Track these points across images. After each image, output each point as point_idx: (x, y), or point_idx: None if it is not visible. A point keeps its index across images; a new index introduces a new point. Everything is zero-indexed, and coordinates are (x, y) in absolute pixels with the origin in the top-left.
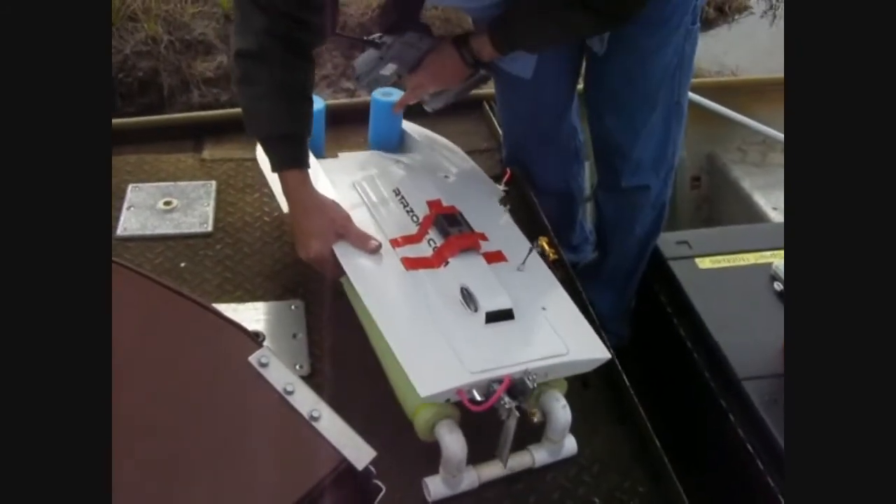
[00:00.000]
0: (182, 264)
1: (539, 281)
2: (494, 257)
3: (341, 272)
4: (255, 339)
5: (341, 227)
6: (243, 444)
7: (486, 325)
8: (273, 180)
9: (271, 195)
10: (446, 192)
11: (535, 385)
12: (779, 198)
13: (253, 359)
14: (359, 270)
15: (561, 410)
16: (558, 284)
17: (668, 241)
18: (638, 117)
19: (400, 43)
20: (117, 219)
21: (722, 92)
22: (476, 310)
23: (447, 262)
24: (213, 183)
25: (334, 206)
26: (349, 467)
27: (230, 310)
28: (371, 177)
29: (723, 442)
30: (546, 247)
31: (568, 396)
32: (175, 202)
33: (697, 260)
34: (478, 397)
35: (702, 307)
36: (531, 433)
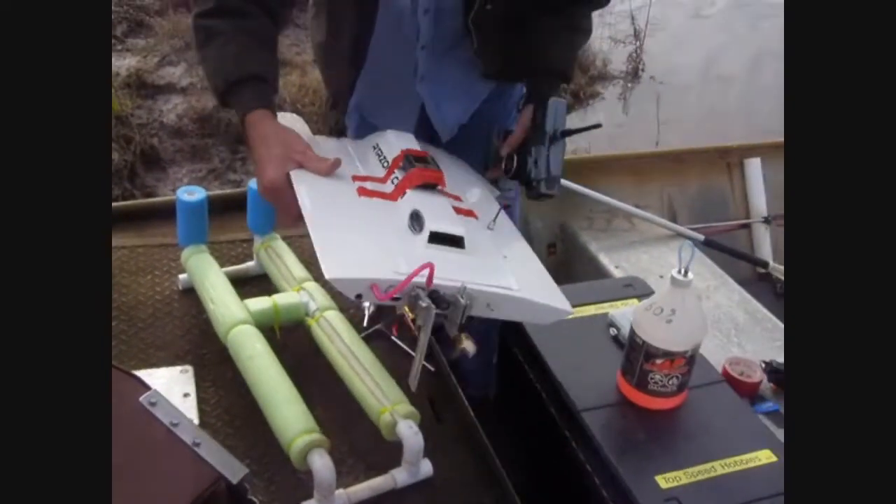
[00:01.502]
0: None
1: (509, 240)
2: (463, 212)
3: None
4: (145, 384)
5: (299, 152)
6: (136, 468)
7: (429, 246)
8: None
9: (162, 276)
10: (433, 154)
11: (467, 303)
12: (620, 257)
13: (143, 399)
14: (309, 189)
15: (414, 437)
16: (529, 247)
17: None
18: None
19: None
20: None
21: (573, 169)
22: (420, 230)
23: (404, 194)
24: None
25: (295, 135)
26: (226, 483)
27: None
28: (353, 139)
29: (565, 464)
30: (406, 308)
31: (423, 426)
32: None
33: None
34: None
35: (547, 353)
36: (392, 460)
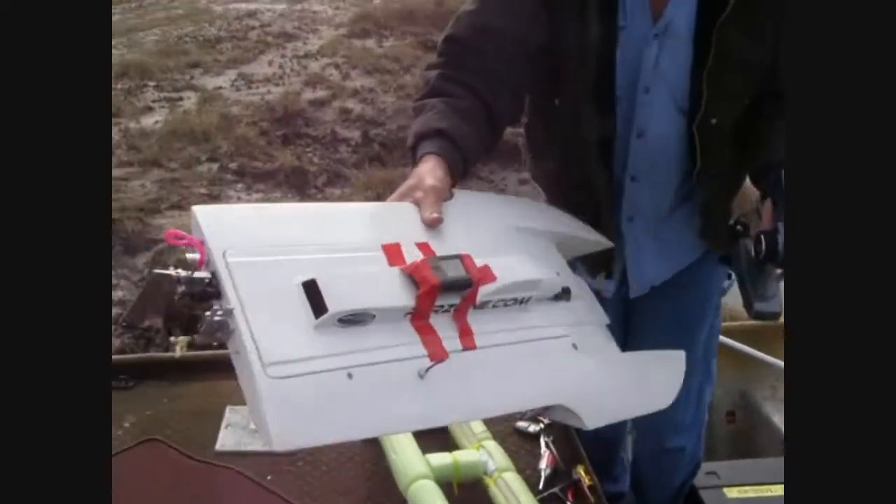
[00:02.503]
0: (268, 477)
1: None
2: (424, 328)
3: None
4: None
5: (423, 191)
6: None
7: (298, 287)
8: None
9: None
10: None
11: (219, 319)
12: None
13: None
14: (371, 207)
15: None
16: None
17: (699, 471)
18: None
19: None
20: (216, 437)
21: (754, 335)
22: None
23: (392, 268)
24: None
25: (434, 177)
26: None
27: None
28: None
29: None
30: (583, 474)
31: None
32: None
33: (725, 489)
34: (199, 271)
35: None
36: None
